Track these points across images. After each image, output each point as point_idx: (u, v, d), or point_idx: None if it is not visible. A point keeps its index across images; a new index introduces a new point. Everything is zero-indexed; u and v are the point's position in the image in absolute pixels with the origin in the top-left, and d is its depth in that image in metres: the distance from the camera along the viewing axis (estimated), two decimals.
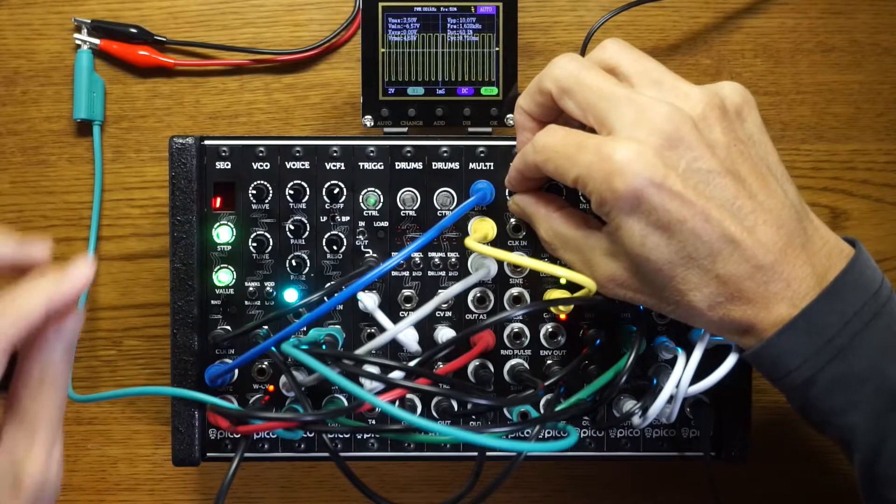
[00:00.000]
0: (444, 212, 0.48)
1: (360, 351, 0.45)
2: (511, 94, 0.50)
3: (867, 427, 0.38)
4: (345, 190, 0.48)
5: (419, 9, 0.50)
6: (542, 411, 0.47)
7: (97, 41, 0.57)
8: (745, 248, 0.37)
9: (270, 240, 0.48)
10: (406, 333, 0.46)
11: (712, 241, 0.37)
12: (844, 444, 0.40)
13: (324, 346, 0.46)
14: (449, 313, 0.48)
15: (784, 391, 0.40)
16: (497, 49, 0.50)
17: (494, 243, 0.48)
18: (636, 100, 0.38)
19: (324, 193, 0.48)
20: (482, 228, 0.47)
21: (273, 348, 0.45)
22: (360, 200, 0.48)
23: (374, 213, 0.48)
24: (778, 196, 0.39)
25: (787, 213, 0.39)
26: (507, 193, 0.47)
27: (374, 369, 0.42)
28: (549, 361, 0.48)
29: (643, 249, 0.38)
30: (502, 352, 0.48)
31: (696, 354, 0.43)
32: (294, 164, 0.48)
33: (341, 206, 0.48)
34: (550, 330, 0.48)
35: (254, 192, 0.47)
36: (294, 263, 0.48)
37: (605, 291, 0.42)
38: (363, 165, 0.48)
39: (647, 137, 0.37)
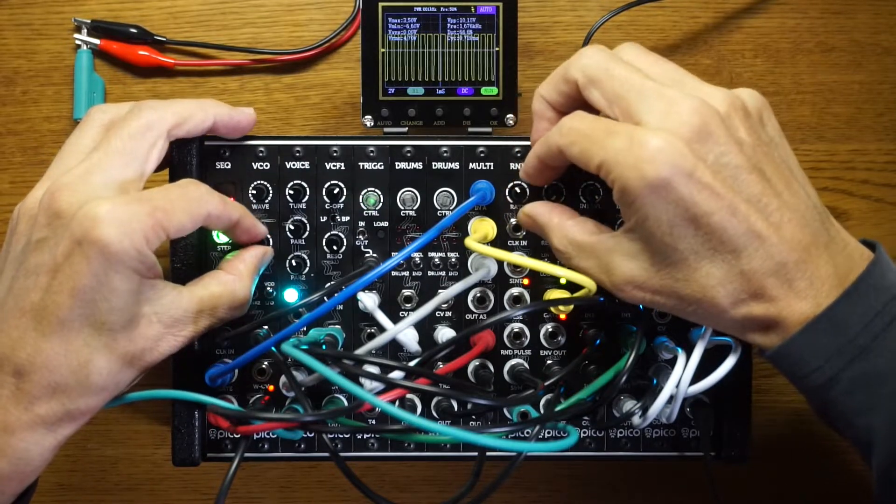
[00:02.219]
0: (444, 212, 0.48)
1: (360, 351, 0.45)
2: (515, 96, 0.50)
3: (887, 429, 0.38)
4: (345, 190, 0.48)
5: (419, 9, 0.50)
6: (542, 411, 0.47)
7: (97, 41, 0.57)
8: (771, 245, 0.37)
9: (270, 240, 0.48)
10: (406, 333, 0.46)
11: (738, 236, 0.37)
12: (864, 446, 0.39)
13: (324, 346, 0.46)
14: (449, 313, 0.48)
15: (805, 391, 0.40)
16: (497, 49, 0.50)
17: (494, 243, 0.48)
18: (665, 93, 0.38)
19: (324, 193, 0.48)
20: (482, 228, 0.47)
21: (273, 348, 0.45)
22: (360, 200, 0.48)
23: (374, 213, 0.48)
24: (801, 196, 0.39)
25: (810, 214, 0.39)
26: (507, 197, 0.47)
27: (374, 369, 0.42)
28: (549, 361, 0.48)
29: (671, 240, 0.38)
30: (502, 352, 0.48)
31: (696, 354, 0.43)
32: (294, 164, 0.48)
33: (341, 206, 0.48)
34: (550, 330, 0.48)
35: (254, 192, 0.47)
36: (294, 263, 0.48)
37: (623, 295, 0.41)
38: (363, 165, 0.48)
39: (678, 129, 0.37)
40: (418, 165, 0.48)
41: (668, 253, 0.38)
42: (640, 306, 0.47)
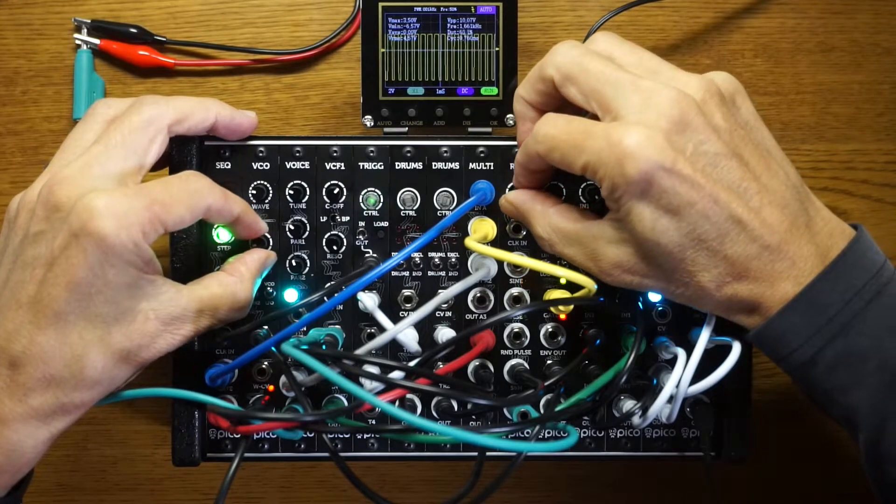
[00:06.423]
0: (444, 212, 0.48)
1: (360, 351, 0.45)
2: (511, 86, 0.50)
3: (870, 406, 0.38)
4: (345, 190, 0.48)
5: (419, 9, 0.50)
6: (542, 411, 0.47)
7: (97, 41, 0.57)
8: (752, 229, 0.38)
9: (270, 240, 0.48)
10: (406, 333, 0.46)
11: (721, 223, 0.38)
12: (849, 423, 0.40)
13: (324, 346, 0.46)
14: (449, 313, 0.48)
15: (789, 372, 0.40)
16: (497, 49, 0.50)
17: (494, 243, 0.48)
18: (641, 85, 0.38)
19: (324, 193, 0.48)
20: (482, 228, 0.47)
21: (273, 348, 0.45)
22: (360, 200, 0.48)
23: (374, 213, 0.48)
24: (780, 177, 0.40)
25: (790, 195, 0.40)
26: (507, 191, 0.47)
27: (374, 369, 0.42)
28: (549, 361, 0.48)
29: (653, 234, 0.38)
30: (502, 352, 0.48)
31: (696, 354, 0.43)
32: (294, 164, 0.48)
33: (341, 206, 0.48)
34: (550, 330, 0.48)
35: (254, 192, 0.47)
36: (294, 263, 0.48)
37: (611, 280, 0.41)
38: (363, 165, 0.48)
39: (656, 121, 0.37)
40: (418, 165, 0.48)
41: (652, 247, 0.39)
42: (640, 306, 0.47)
